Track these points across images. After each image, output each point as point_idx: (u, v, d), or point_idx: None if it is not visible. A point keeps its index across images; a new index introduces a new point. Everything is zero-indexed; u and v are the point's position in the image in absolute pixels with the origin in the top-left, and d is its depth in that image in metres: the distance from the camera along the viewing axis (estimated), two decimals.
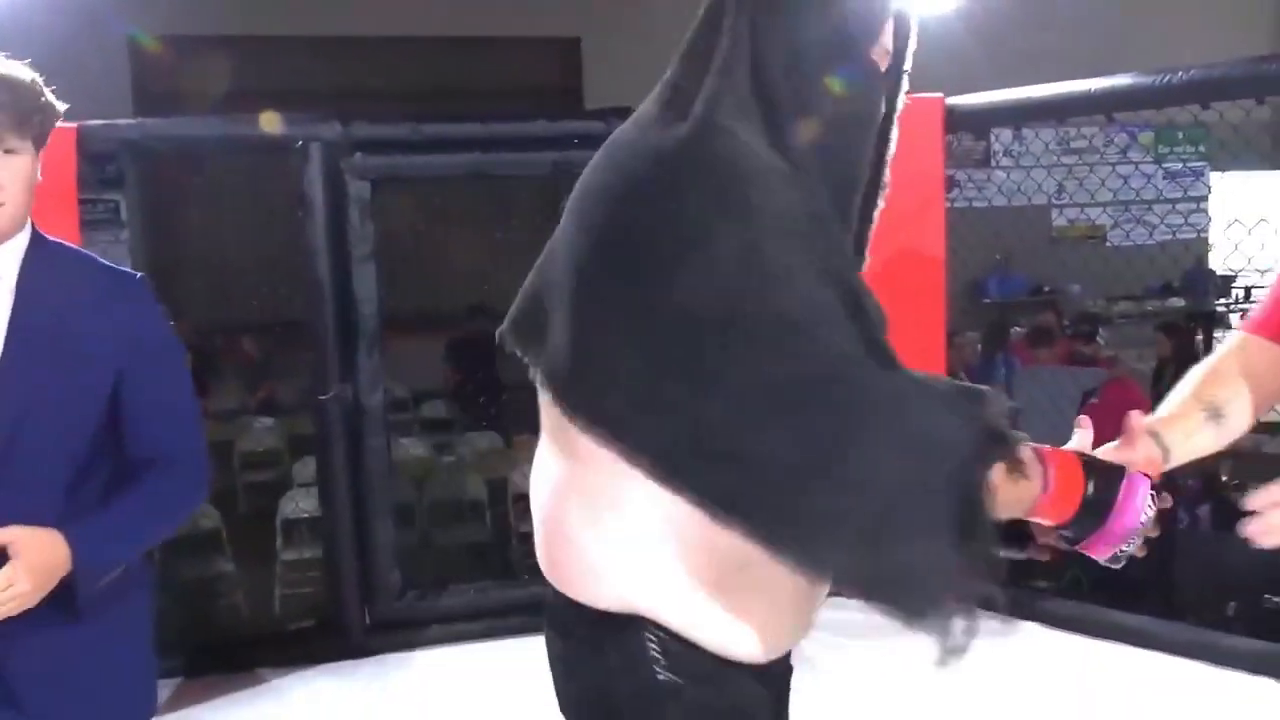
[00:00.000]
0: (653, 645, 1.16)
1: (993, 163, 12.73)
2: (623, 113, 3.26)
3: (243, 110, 3.13)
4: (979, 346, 5.49)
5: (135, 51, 10.33)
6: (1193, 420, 1.30)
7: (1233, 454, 5.28)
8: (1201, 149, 13.21)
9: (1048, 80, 3.06)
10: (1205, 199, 13.22)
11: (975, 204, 12.16)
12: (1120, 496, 1.15)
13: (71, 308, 1.47)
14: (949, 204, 3.33)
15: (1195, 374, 1.34)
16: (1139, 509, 1.15)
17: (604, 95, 10.61)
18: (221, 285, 9.99)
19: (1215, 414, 1.30)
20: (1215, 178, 12.96)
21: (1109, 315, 11.66)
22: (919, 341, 3.22)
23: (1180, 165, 13.64)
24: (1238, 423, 1.31)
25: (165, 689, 2.92)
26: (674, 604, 1.16)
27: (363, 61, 9.87)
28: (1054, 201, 12.95)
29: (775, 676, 1.25)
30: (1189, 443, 1.29)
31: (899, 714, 2.68)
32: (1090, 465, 1.18)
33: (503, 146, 3.13)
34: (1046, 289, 12.27)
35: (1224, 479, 4.45)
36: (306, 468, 5.43)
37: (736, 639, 1.17)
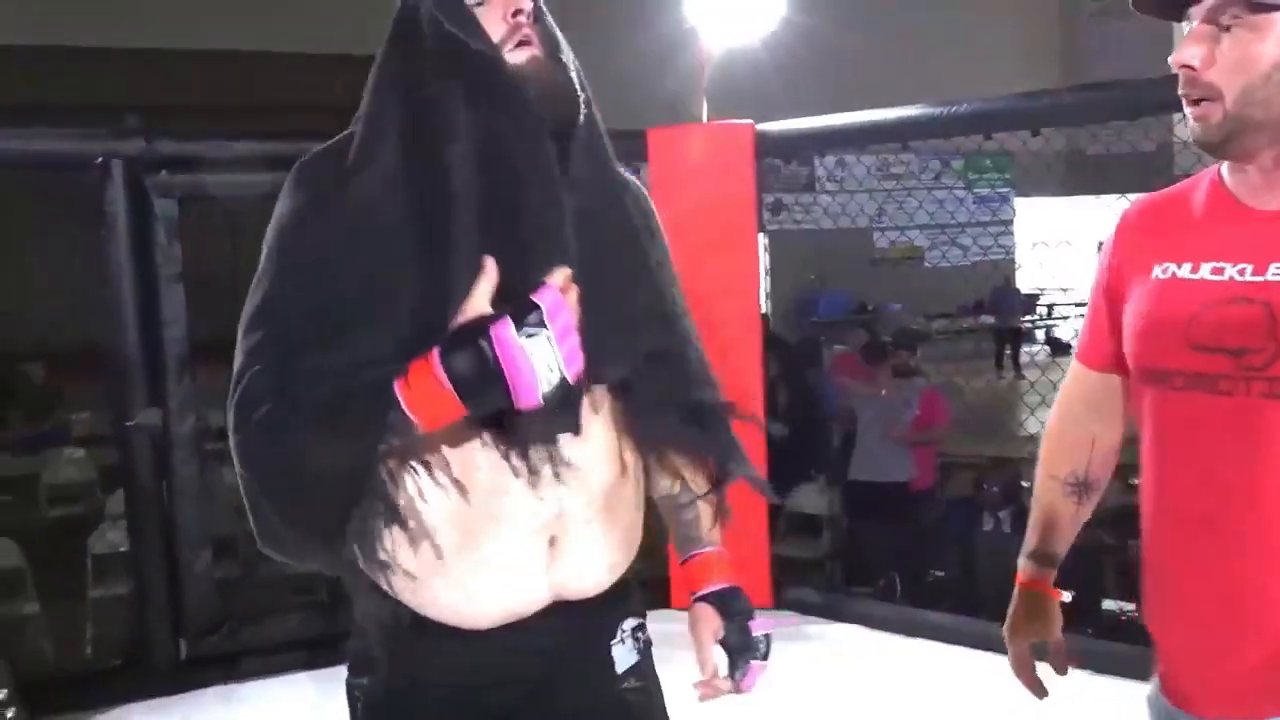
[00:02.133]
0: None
1: (817, 187, 13.29)
2: None
3: (40, 124, 2.98)
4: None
5: None
6: (1066, 519, 1.36)
7: (1031, 461, 5.65)
8: (1007, 175, 14.12)
9: (852, 109, 3.24)
10: (1011, 222, 14.14)
11: (803, 226, 12.67)
12: (496, 354, 1.10)
13: None
14: (778, 226, 3.48)
15: (1049, 444, 1.37)
16: (520, 347, 1.10)
17: None
18: (15, 307, 9.40)
19: (1082, 489, 1.34)
20: (1020, 203, 13.90)
21: (927, 332, 12.30)
22: (736, 361, 3.34)
23: (989, 190, 14.55)
24: (1102, 476, 1.35)
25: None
26: None
27: (168, 75, 9.50)
28: (875, 224, 13.59)
29: None
30: (1070, 535, 1.36)
31: (723, 713, 2.76)
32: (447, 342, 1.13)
33: None
34: (870, 307, 12.84)
35: (1024, 485, 4.77)
36: (120, 501, 5.15)
37: None
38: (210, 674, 3.02)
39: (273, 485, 1.20)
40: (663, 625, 3.49)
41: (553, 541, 1.26)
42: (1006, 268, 13.15)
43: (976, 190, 14.55)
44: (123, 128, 2.95)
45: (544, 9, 1.28)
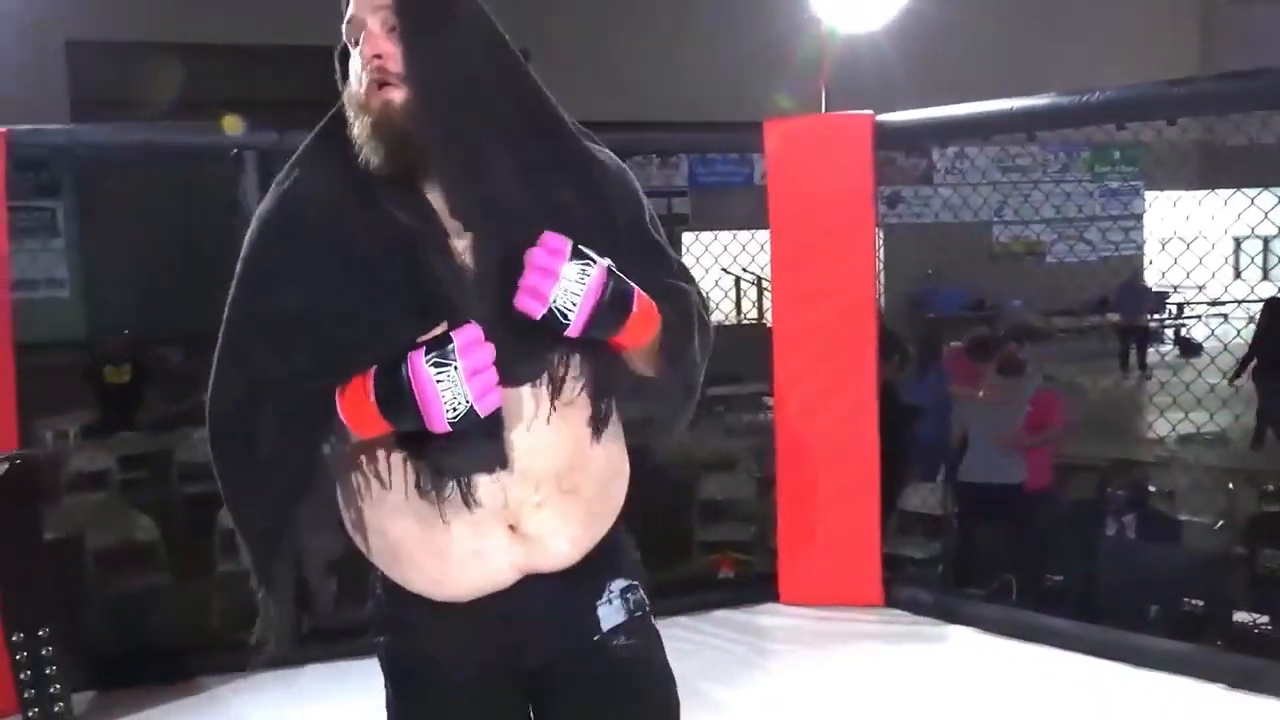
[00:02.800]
0: None
1: (935, 180, 12.99)
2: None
3: (180, 118, 3.11)
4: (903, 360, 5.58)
5: (73, 59, 10.18)
6: None
7: (1159, 465, 5.43)
8: (1137, 168, 13.56)
9: (975, 99, 3.15)
10: (1142, 216, 13.58)
11: (920, 220, 12.40)
12: (409, 379, 1.25)
13: None
14: (896, 219, 3.41)
15: None
16: (429, 377, 1.24)
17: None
18: (156, 293, 9.85)
19: None
20: (1150, 196, 13.33)
21: (1048, 329, 11.90)
22: (851, 354, 3.29)
23: (1118, 183, 14.00)
24: None
25: (92, 701, 2.90)
26: None
27: (301, 71, 9.83)
28: (996, 218, 13.22)
29: None
30: None
31: (839, 714, 2.73)
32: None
33: None
34: (987, 304, 12.50)
35: (1150, 490, 4.58)
36: None
37: None
38: (331, 648, 3.11)
39: (228, 475, 1.38)
40: (772, 619, 3.46)
41: (512, 527, 1.38)
42: (1136, 263, 12.65)
43: (1107, 182, 14.01)
44: (256, 121, 3.07)
45: (421, 26, 1.33)
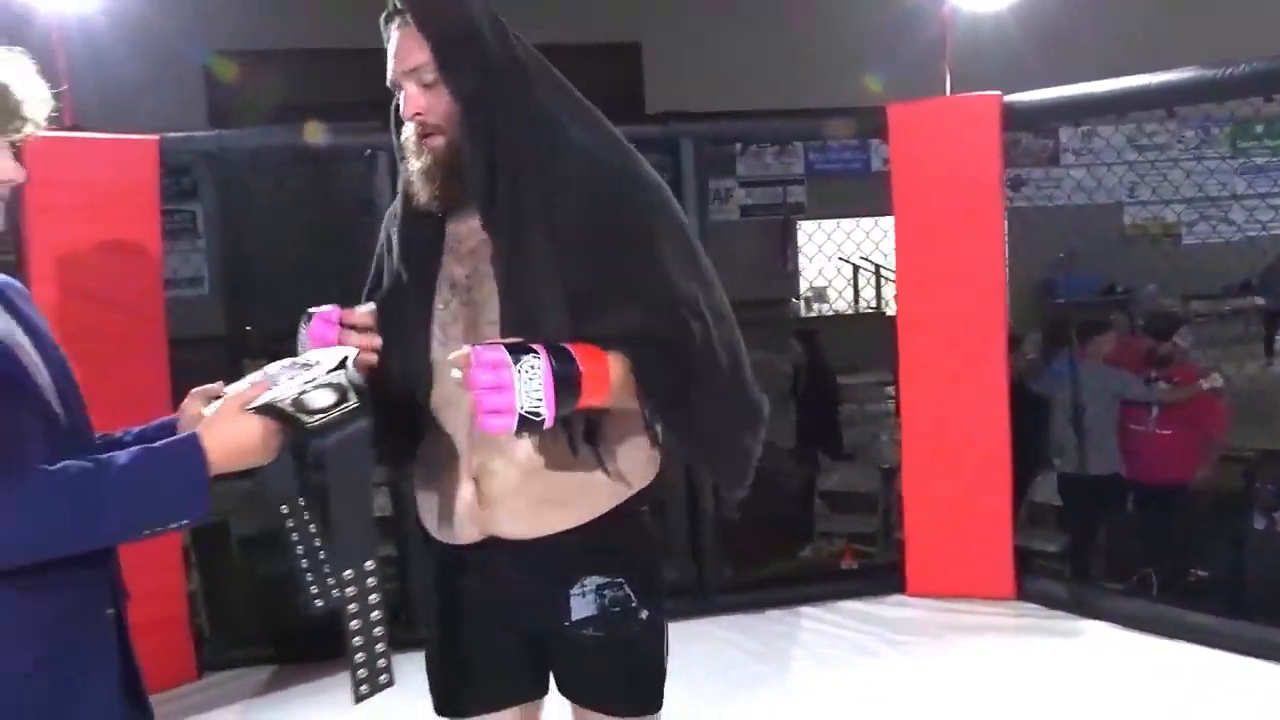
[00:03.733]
0: None
1: (1062, 161, 12.52)
2: (681, 116, 3.30)
3: (313, 122, 3.23)
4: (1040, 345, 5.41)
5: (210, 69, 10.66)
6: None
7: None
8: None
9: (1105, 76, 3.03)
10: None
11: (1045, 203, 11.98)
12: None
13: None
14: (1025, 202, 3.32)
15: None
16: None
17: (665, 99, 10.69)
18: (292, 292, 10.25)
19: None
20: None
21: (1185, 314, 11.35)
22: (979, 342, 3.22)
23: (1265, 159, 13.24)
24: None
25: (261, 674, 3.05)
26: None
27: None
28: (1128, 199, 12.68)
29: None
30: None
31: (970, 708, 2.68)
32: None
33: None
34: (1120, 289, 12.00)
35: None
36: (380, 470, 5.53)
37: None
38: None
39: None
40: (899, 610, 3.42)
41: (476, 482, 1.54)
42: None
43: (1252, 158, 13.30)
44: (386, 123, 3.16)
45: (454, 65, 1.50)
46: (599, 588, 1.56)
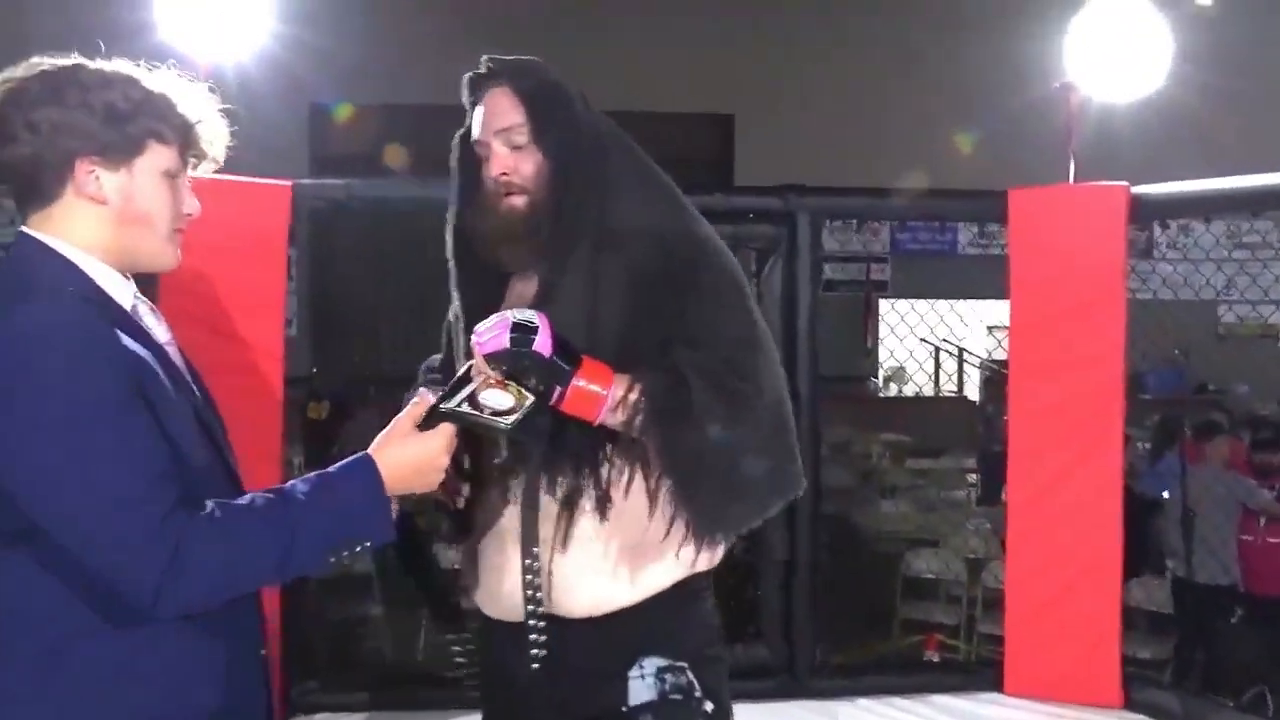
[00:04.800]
0: None
1: (1155, 254, 12.30)
2: (798, 190, 3.28)
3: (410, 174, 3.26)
4: (1146, 444, 5.27)
5: (314, 119, 11.02)
6: None
7: None
8: None
9: (1225, 172, 2.96)
10: None
11: (1138, 295, 11.72)
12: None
13: None
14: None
15: None
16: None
17: (752, 169, 10.78)
18: (377, 335, 10.44)
19: None
20: None
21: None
22: (1095, 435, 3.12)
23: None
24: None
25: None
26: None
27: None
28: (1223, 297, 12.38)
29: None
30: None
31: None
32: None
33: None
34: (1211, 387, 11.68)
35: None
36: None
37: None
38: None
39: None
40: (997, 710, 3.28)
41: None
42: None
43: None
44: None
45: (548, 128, 1.54)
46: (660, 671, 1.47)
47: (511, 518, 1.52)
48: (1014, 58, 8.55)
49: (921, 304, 8.32)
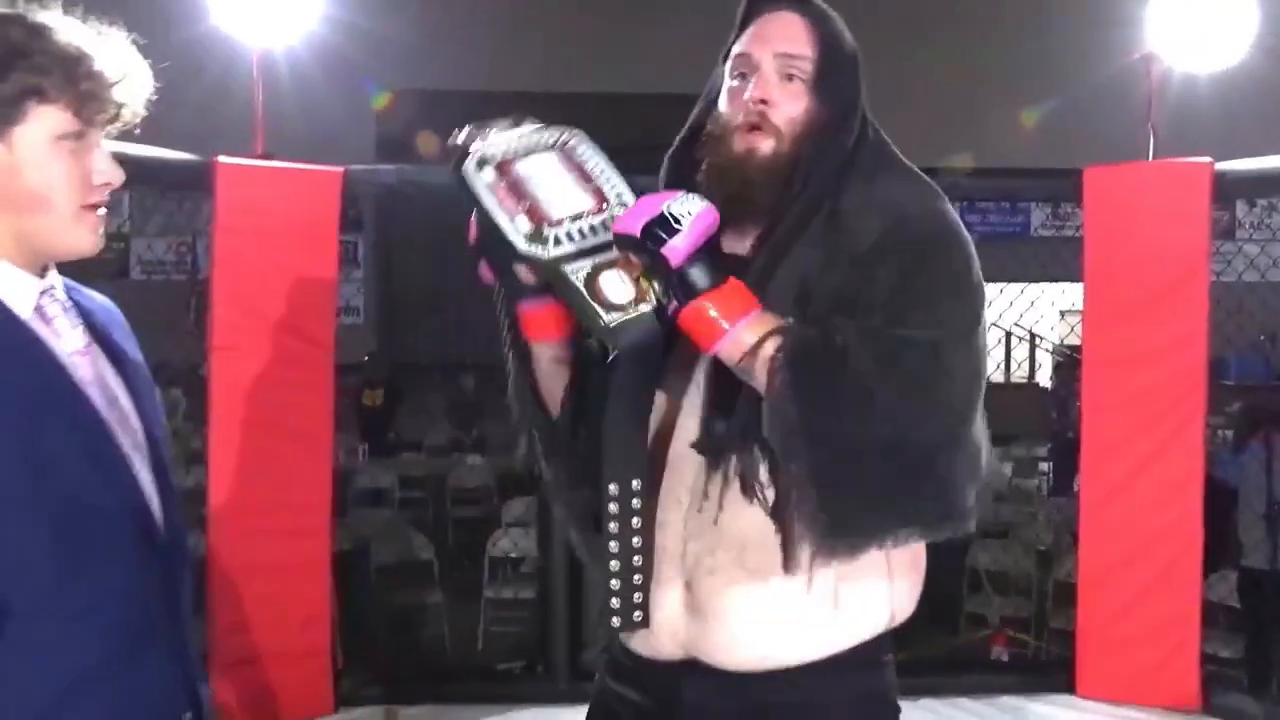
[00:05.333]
0: None
1: (1239, 235, 11.85)
2: None
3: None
4: (1231, 432, 5.06)
5: (410, 107, 11.09)
6: None
7: None
8: None
9: None
10: None
11: (1221, 278, 11.32)
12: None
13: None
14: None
15: None
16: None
17: None
18: (447, 324, 10.50)
19: None
20: None
21: None
22: (1174, 426, 2.97)
23: None
24: None
25: (373, 715, 3.01)
26: None
27: (591, 119, 10.26)
28: None
29: None
30: None
31: None
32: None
33: None
34: None
35: None
36: (513, 508, 5.57)
37: None
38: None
39: None
40: (1070, 713, 3.14)
41: (687, 586, 1.24)
42: None
43: None
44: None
45: (836, 74, 1.33)
46: None
47: (669, 532, 1.26)
48: (1093, 29, 8.25)
49: (992, 288, 8.12)
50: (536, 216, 1.25)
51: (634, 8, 10.79)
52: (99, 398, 1.13)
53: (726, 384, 1.24)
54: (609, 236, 1.22)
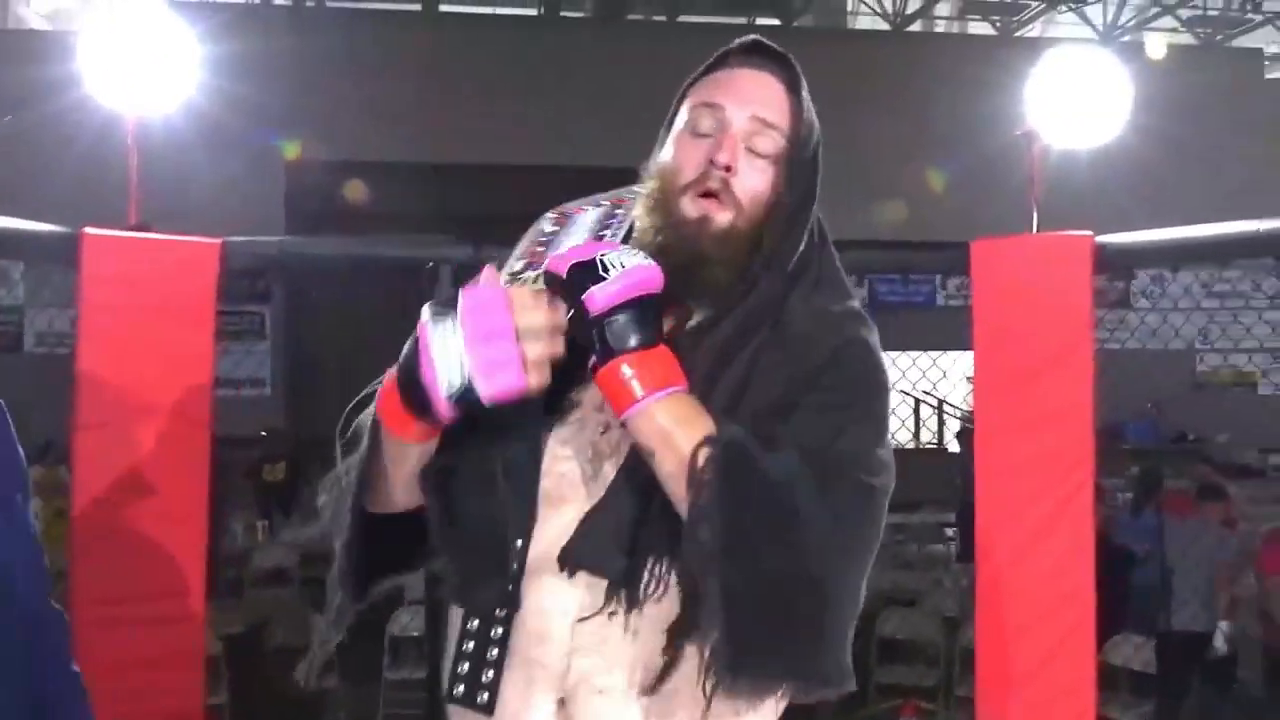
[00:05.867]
0: None
1: (1132, 303, 12.32)
2: None
3: (381, 231, 3.19)
4: (1129, 496, 5.18)
5: (291, 173, 10.98)
6: None
7: None
8: None
9: (1192, 220, 2.90)
10: None
11: (1107, 345, 11.74)
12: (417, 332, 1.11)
13: None
14: (1094, 344, 3.17)
15: None
16: (429, 327, 1.09)
17: None
18: (352, 394, 10.32)
19: None
20: None
21: (1262, 467, 10.95)
22: (1065, 492, 3.01)
23: None
24: None
25: None
26: None
27: (495, 187, 10.31)
28: (1199, 346, 12.38)
29: None
30: None
31: None
32: None
33: None
34: (1190, 437, 11.64)
35: None
36: (416, 584, 5.41)
37: None
38: None
39: None
40: None
41: (562, 702, 1.13)
42: None
43: None
44: (453, 237, 3.12)
45: (804, 155, 1.22)
46: None
47: (548, 636, 1.15)
48: (979, 106, 8.58)
49: (902, 357, 8.28)
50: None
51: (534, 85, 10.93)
52: None
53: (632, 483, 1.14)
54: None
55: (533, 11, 13.53)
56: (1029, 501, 3.02)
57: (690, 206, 1.19)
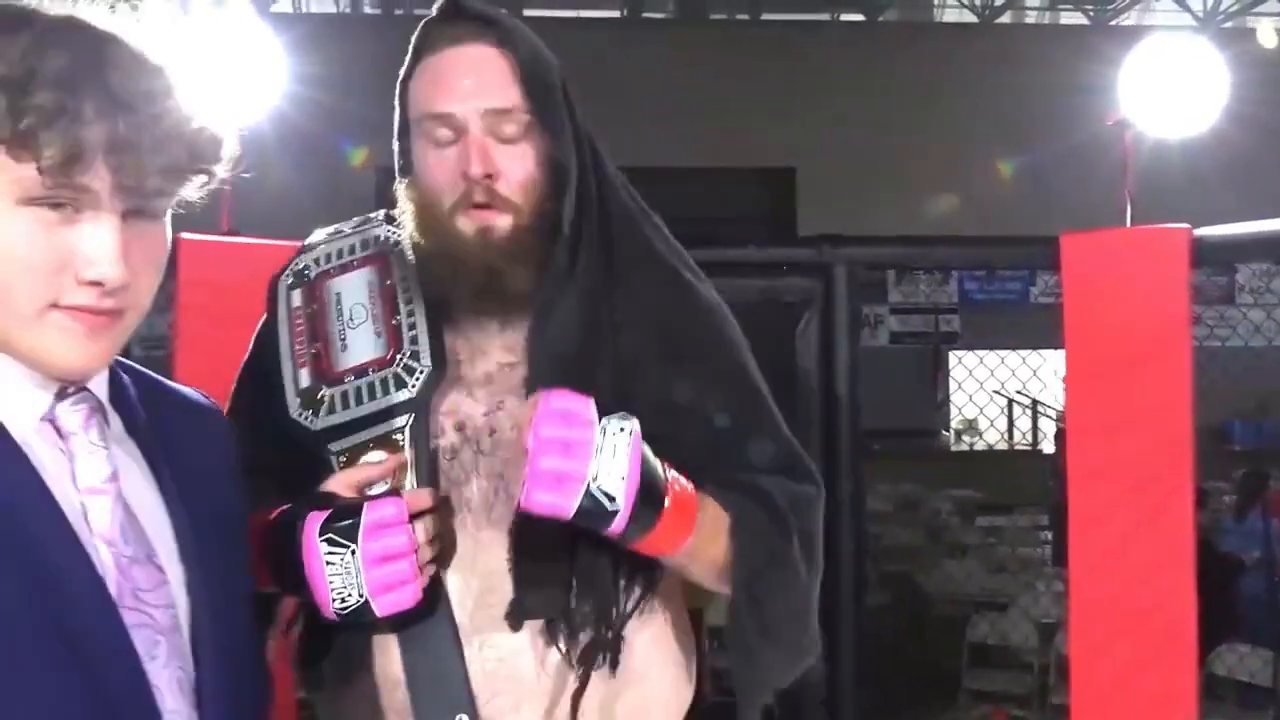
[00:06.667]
0: None
1: (1237, 300, 11.84)
2: (834, 240, 3.18)
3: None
4: (1233, 499, 4.98)
5: (380, 182, 11.23)
6: None
7: None
8: None
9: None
10: None
11: (1205, 344, 11.31)
12: (299, 549, 1.05)
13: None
14: (1196, 343, 3.06)
15: None
16: (317, 553, 1.03)
17: (815, 222, 10.68)
18: None
19: None
20: None
21: None
22: (1162, 494, 2.91)
23: None
24: None
25: None
26: None
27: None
28: None
29: None
30: None
31: None
32: None
33: (712, 272, 3.08)
34: None
35: None
36: None
37: None
38: None
39: None
40: None
41: None
42: None
43: None
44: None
45: (549, 113, 1.14)
46: None
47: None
48: (1071, 97, 8.35)
49: (992, 356, 8.09)
50: (321, 367, 1.12)
51: (629, 86, 10.95)
52: (109, 558, 0.81)
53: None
54: (389, 400, 1.05)
55: (616, 13, 13.60)
56: (1122, 504, 2.92)
57: (466, 223, 1.13)
